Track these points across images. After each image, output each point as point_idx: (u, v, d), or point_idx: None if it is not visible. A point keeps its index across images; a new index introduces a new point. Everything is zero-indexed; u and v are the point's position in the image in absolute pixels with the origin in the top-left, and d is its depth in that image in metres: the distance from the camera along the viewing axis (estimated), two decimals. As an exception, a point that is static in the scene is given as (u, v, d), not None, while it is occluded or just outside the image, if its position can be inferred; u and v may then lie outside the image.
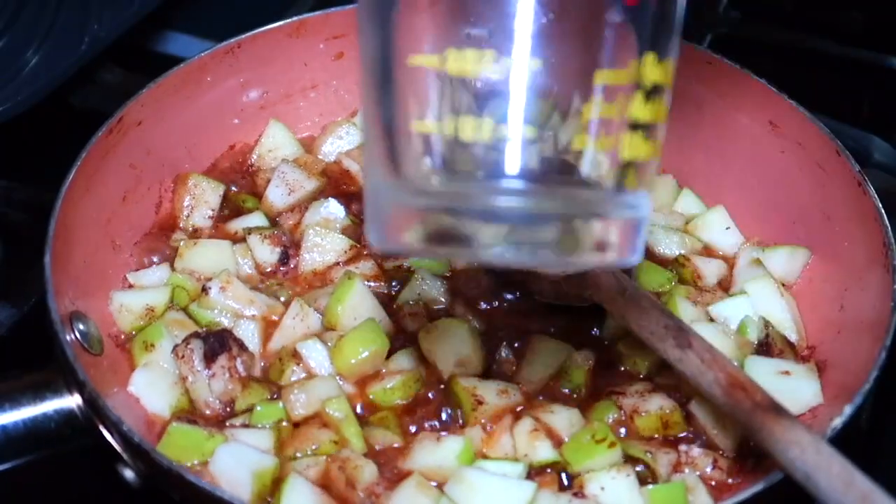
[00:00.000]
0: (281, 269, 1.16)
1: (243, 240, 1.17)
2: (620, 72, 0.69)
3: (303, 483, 0.94)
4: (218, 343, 1.03)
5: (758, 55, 1.27)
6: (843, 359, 1.06)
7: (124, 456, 0.93)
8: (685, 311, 1.10)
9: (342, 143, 1.31)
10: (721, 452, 1.01)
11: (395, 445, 1.00)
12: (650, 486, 0.96)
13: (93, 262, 1.09)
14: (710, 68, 1.21)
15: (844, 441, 0.88)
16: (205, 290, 1.10)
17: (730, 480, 0.99)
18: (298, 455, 0.98)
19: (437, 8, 0.70)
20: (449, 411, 1.03)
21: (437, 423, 1.03)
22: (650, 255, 1.19)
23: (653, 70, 0.70)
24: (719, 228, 1.23)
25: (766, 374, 1.03)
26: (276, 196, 1.23)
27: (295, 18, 1.28)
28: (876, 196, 1.07)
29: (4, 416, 0.95)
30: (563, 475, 0.98)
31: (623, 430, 1.02)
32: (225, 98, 1.27)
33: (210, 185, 1.21)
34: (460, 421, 1.02)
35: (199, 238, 1.18)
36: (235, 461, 0.95)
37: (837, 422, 0.91)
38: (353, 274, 1.10)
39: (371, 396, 1.04)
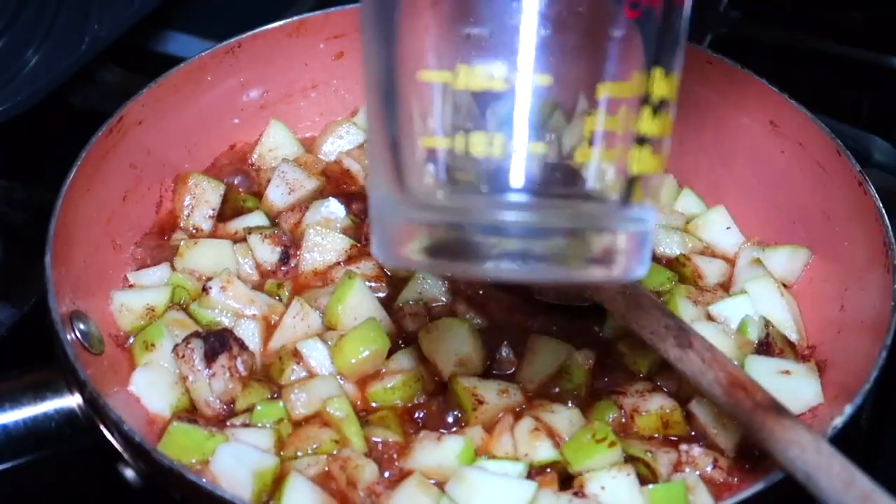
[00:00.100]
0: (281, 268, 1.16)
1: (244, 239, 1.17)
2: (624, 84, 0.69)
3: (303, 482, 0.94)
4: (218, 342, 1.03)
5: (758, 55, 1.27)
6: (843, 358, 1.06)
7: (125, 455, 0.93)
8: (685, 310, 1.10)
9: (342, 142, 1.31)
10: (721, 452, 1.00)
11: (396, 445, 1.00)
12: (650, 486, 0.96)
13: (93, 262, 1.09)
14: (710, 68, 1.21)
15: (845, 441, 0.88)
16: (205, 289, 1.10)
17: (730, 480, 0.99)
18: (299, 454, 0.98)
19: (442, 21, 0.70)
20: (449, 411, 1.03)
21: (437, 422, 1.02)
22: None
23: (660, 85, 0.70)
24: (719, 228, 1.23)
25: (767, 374, 1.04)
26: (277, 196, 1.23)
27: (295, 18, 1.28)
28: (876, 196, 1.07)
29: (5, 415, 0.95)
30: (564, 474, 0.98)
31: (623, 430, 1.02)
32: (225, 98, 1.27)
33: (210, 185, 1.21)
34: (460, 421, 1.02)
35: (199, 238, 1.18)
36: (236, 460, 0.95)
37: (838, 421, 0.91)
38: (354, 273, 1.10)
39: (371, 396, 1.04)
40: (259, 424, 1.00)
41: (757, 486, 0.87)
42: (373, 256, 0.74)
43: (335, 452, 0.98)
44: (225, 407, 1.02)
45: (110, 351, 1.04)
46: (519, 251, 0.69)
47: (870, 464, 0.81)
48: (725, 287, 1.18)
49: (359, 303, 1.08)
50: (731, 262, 1.20)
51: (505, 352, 1.07)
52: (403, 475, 0.97)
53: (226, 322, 1.09)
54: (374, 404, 1.04)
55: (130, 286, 1.13)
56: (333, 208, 1.21)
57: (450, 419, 1.03)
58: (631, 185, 0.71)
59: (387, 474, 0.97)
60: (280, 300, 1.13)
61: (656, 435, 1.02)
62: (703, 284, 1.17)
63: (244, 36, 1.25)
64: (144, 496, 1.05)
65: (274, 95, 1.31)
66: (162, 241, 1.19)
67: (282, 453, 0.98)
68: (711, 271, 1.18)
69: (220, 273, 1.11)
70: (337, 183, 1.26)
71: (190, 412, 1.02)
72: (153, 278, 1.14)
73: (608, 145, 0.70)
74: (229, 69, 1.25)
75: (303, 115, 1.34)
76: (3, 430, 0.95)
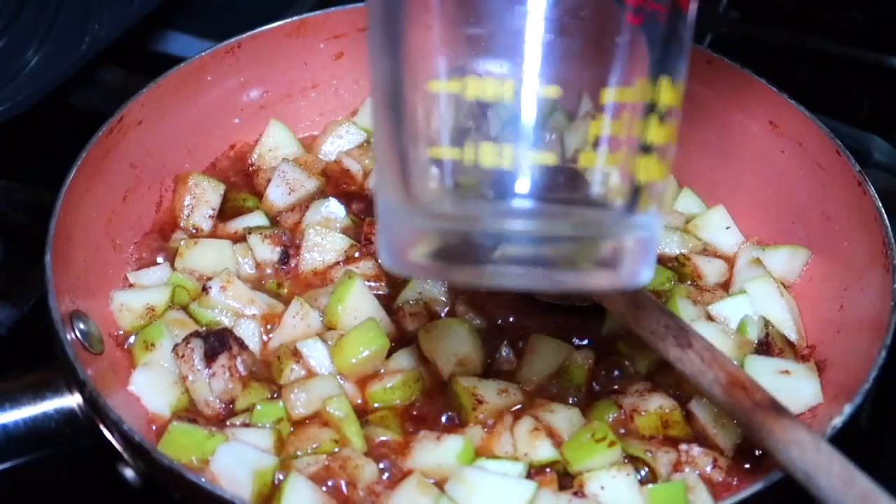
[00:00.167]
0: (281, 268, 1.16)
1: (244, 239, 1.17)
2: (628, 90, 0.69)
3: (303, 482, 0.94)
4: (218, 342, 1.03)
5: (758, 55, 1.27)
6: (842, 358, 1.06)
7: (125, 455, 0.93)
8: (685, 310, 1.10)
9: (342, 142, 1.31)
10: (721, 452, 1.00)
11: (396, 444, 1.00)
12: (650, 486, 0.96)
13: (93, 262, 1.09)
14: (710, 68, 1.21)
15: (844, 440, 0.88)
16: (205, 289, 1.10)
17: (730, 480, 0.99)
18: (299, 454, 0.98)
19: (447, 28, 0.70)
20: (449, 411, 1.03)
21: (437, 422, 1.02)
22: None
23: (667, 94, 0.70)
24: (719, 228, 1.23)
25: (766, 374, 1.04)
26: (277, 195, 1.23)
27: (295, 18, 1.28)
28: (876, 196, 1.07)
29: (5, 415, 0.95)
30: (563, 474, 0.98)
31: (623, 430, 1.02)
32: (225, 98, 1.27)
33: (210, 185, 1.21)
34: (460, 420, 1.02)
35: (199, 237, 1.18)
36: (236, 460, 0.95)
37: (837, 421, 0.91)
38: (354, 273, 1.10)
39: (371, 396, 1.04)
40: (259, 424, 1.00)
41: (756, 486, 0.87)
42: (381, 264, 0.74)
43: (335, 452, 0.98)
44: (225, 407, 1.03)
45: (110, 351, 1.04)
46: (525, 259, 0.69)
47: (869, 463, 0.81)
48: (725, 287, 1.18)
49: (359, 302, 1.08)
50: (731, 261, 1.20)
51: (505, 352, 1.08)
52: (403, 475, 0.97)
53: (226, 322, 1.09)
54: (374, 404, 1.04)
55: (130, 286, 1.13)
56: (333, 208, 1.21)
57: (449, 419, 1.03)
58: (637, 191, 0.71)
59: (386, 474, 0.97)
60: (280, 300, 1.13)
61: (656, 435, 1.02)
62: (702, 284, 1.17)
63: (244, 36, 1.25)
64: (144, 496, 1.05)
65: (274, 95, 1.31)
66: (162, 241, 1.19)
67: (282, 453, 0.98)
68: (711, 271, 1.18)
69: (220, 273, 1.11)
70: (337, 183, 1.26)
71: (190, 412, 1.02)
72: (153, 278, 1.14)
73: (614, 151, 0.70)
74: (229, 69, 1.25)
75: (303, 114, 1.34)
76: (3, 429, 0.95)
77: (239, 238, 1.18)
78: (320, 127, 1.34)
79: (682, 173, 1.28)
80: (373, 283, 1.13)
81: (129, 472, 1.05)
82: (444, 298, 1.12)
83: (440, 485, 0.96)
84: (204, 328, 1.07)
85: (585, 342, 1.09)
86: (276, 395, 1.03)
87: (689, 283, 1.17)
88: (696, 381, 0.92)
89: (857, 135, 1.43)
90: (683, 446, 1.00)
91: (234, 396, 1.02)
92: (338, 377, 1.04)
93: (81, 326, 1.00)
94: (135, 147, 1.16)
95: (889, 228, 1.04)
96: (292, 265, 1.16)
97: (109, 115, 1.12)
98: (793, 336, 1.11)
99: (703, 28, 1.61)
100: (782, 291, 1.13)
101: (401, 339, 1.08)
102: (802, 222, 1.18)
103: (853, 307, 1.08)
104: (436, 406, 1.04)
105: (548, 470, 0.98)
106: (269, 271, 1.16)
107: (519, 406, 1.03)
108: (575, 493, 0.95)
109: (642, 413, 1.02)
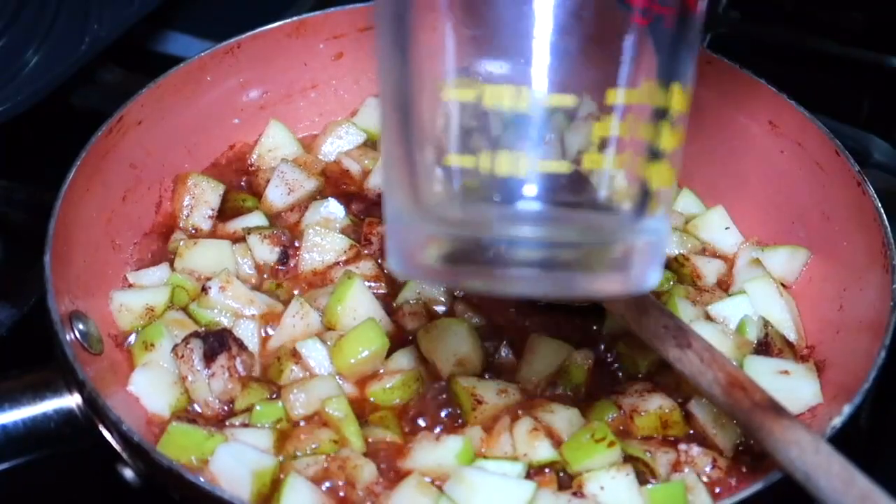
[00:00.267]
0: (280, 268, 1.16)
1: (243, 239, 1.17)
2: (635, 91, 0.69)
3: (302, 482, 0.94)
4: (217, 342, 1.03)
5: (758, 55, 1.28)
6: (842, 358, 1.06)
7: (124, 455, 0.93)
8: (684, 310, 1.10)
9: (342, 142, 1.31)
10: (720, 452, 1.01)
11: (395, 445, 1.00)
12: (650, 486, 0.96)
13: (93, 262, 1.09)
14: (710, 68, 1.21)
15: (844, 441, 0.88)
16: (204, 289, 1.10)
17: (729, 480, 0.99)
18: (298, 454, 0.98)
19: (457, 33, 0.69)
20: (448, 411, 1.03)
21: (436, 422, 1.02)
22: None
23: (679, 100, 0.70)
24: (719, 228, 1.23)
25: (766, 374, 1.04)
26: (276, 196, 1.23)
27: (295, 18, 1.28)
28: (875, 196, 1.07)
29: (4, 415, 0.95)
30: (563, 474, 0.98)
31: (622, 430, 1.02)
32: (225, 98, 1.27)
33: (210, 185, 1.21)
34: (460, 420, 1.02)
35: (198, 238, 1.18)
36: (235, 461, 0.95)
37: (837, 421, 0.91)
38: (353, 273, 1.10)
39: (371, 396, 1.04)
40: (258, 424, 1.00)
41: (756, 486, 0.87)
42: (389, 268, 0.74)
43: (334, 452, 0.98)
44: (224, 407, 1.03)
45: (110, 351, 1.04)
46: (534, 264, 0.68)
47: (869, 464, 0.81)
48: (724, 287, 1.18)
49: (358, 303, 1.08)
50: (730, 262, 1.20)
51: (504, 352, 1.07)
52: (402, 475, 0.97)
53: (225, 322, 1.09)
54: (373, 403, 1.04)
55: (130, 286, 1.13)
56: (333, 208, 1.21)
57: (449, 419, 1.03)
58: (646, 195, 0.71)
59: (385, 475, 0.97)
60: (279, 300, 1.13)
61: (655, 435, 1.02)
62: (702, 284, 1.17)
63: (244, 36, 1.25)
64: (143, 496, 1.05)
65: (273, 95, 1.31)
66: (161, 241, 1.19)
67: (281, 453, 0.98)
68: (710, 271, 1.18)
69: (219, 273, 1.11)
70: (336, 183, 1.26)
71: (189, 412, 1.02)
72: (153, 278, 1.14)
73: (623, 154, 0.70)
74: (229, 69, 1.25)
75: (302, 115, 1.34)
76: (3, 430, 0.95)
77: (238, 238, 1.18)
78: (320, 127, 1.34)
79: (681, 173, 1.26)
80: (372, 284, 1.13)
81: (128, 473, 1.05)
82: (443, 298, 1.12)
83: (439, 485, 0.95)
84: (203, 328, 1.07)
85: (585, 342, 1.09)
86: (275, 396, 1.03)
87: (688, 283, 1.17)
88: (696, 381, 0.92)
89: (857, 135, 1.43)
90: (683, 446, 1.00)
91: (233, 397, 1.02)
92: (337, 377, 1.04)
93: (81, 327, 1.00)
94: (134, 147, 1.16)
95: (888, 229, 1.04)
96: (291, 265, 1.16)
97: (109, 115, 1.12)
98: (792, 336, 1.11)
99: (704, 28, 1.60)
100: (782, 292, 1.13)
101: (400, 340, 1.08)
102: (802, 222, 1.18)
103: (853, 307, 1.08)
104: (435, 406, 1.04)
105: (547, 470, 0.98)
106: (268, 271, 1.16)
107: (518, 406, 1.03)
108: (574, 494, 0.95)
109: (642, 413, 1.02)
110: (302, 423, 1.01)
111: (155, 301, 1.10)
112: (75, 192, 1.05)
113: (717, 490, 0.98)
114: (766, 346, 1.09)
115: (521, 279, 0.69)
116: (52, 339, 0.95)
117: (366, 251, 1.16)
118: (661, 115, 0.71)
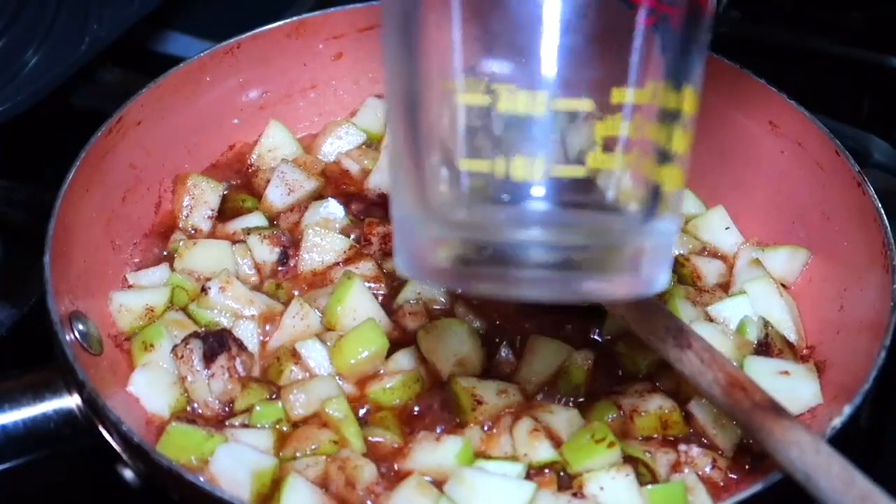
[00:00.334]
0: (280, 269, 1.16)
1: (243, 240, 1.17)
2: (642, 91, 0.69)
3: (302, 483, 0.94)
4: (217, 343, 1.03)
5: (758, 55, 1.27)
6: (842, 359, 1.06)
7: (124, 456, 0.93)
8: (685, 310, 1.10)
9: (342, 143, 1.31)
10: (720, 452, 1.01)
11: (395, 445, 1.00)
12: (650, 486, 0.96)
13: (93, 262, 1.09)
14: (710, 68, 1.19)
15: (844, 441, 0.88)
16: (204, 290, 1.10)
17: (729, 480, 0.99)
18: (298, 455, 0.98)
19: (465, 36, 0.69)
20: (448, 411, 1.03)
21: (436, 422, 1.02)
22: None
23: (690, 102, 0.70)
24: (719, 228, 1.23)
25: (766, 374, 1.03)
26: (276, 196, 1.23)
27: (295, 18, 1.28)
28: (875, 196, 1.07)
29: (4, 416, 0.95)
30: (563, 475, 0.98)
31: (622, 430, 1.02)
32: (225, 98, 1.27)
33: (210, 185, 1.21)
34: (460, 421, 1.02)
35: (198, 238, 1.18)
36: (235, 461, 0.95)
37: (837, 422, 0.91)
38: (353, 274, 1.10)
39: (371, 396, 1.04)
40: (258, 425, 1.00)
41: (756, 487, 0.87)
42: (398, 271, 0.73)
43: (334, 453, 0.98)
44: (224, 407, 1.03)
45: (109, 351, 1.04)
46: (543, 267, 0.68)
47: (869, 464, 0.81)
48: (724, 287, 1.18)
49: (358, 303, 1.08)
50: (731, 262, 1.20)
51: (504, 352, 1.07)
52: (402, 476, 0.97)
53: (225, 322, 1.09)
54: (373, 404, 1.04)
55: (130, 286, 1.13)
56: (332, 209, 1.21)
57: (449, 419, 1.03)
58: (655, 197, 0.70)
59: (385, 475, 0.97)
60: (279, 301, 1.13)
61: (655, 435, 1.02)
62: (702, 285, 1.17)
63: (244, 36, 1.25)
64: (143, 497, 1.05)
65: (273, 96, 1.31)
66: (161, 241, 1.19)
67: (281, 454, 0.98)
68: (710, 271, 1.18)
69: (218, 273, 1.11)
70: (336, 183, 1.26)
71: (189, 413, 1.02)
72: (152, 279, 1.14)
73: (630, 156, 0.69)
74: (229, 69, 1.25)
75: (302, 115, 1.34)
76: (2, 430, 0.95)
77: (238, 239, 1.18)
78: (320, 127, 1.34)
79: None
80: (372, 284, 1.13)
81: (128, 473, 1.05)
82: (443, 299, 1.12)
83: (439, 485, 0.95)
84: (203, 329, 1.07)
85: (585, 343, 1.09)
86: (275, 396, 1.03)
87: (688, 283, 1.17)
88: (696, 381, 0.92)
89: (857, 135, 1.43)
90: (683, 447, 1.00)
91: (233, 397, 1.02)
92: (337, 378, 1.04)
93: (80, 327, 1.00)
94: (134, 147, 1.16)
95: (888, 229, 1.04)
96: (291, 266, 1.16)
97: (109, 116, 1.12)
98: (792, 337, 1.11)
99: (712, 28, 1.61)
100: (782, 292, 1.13)
101: (400, 340, 1.08)
102: (802, 223, 1.18)
103: (853, 308, 1.08)
104: (435, 407, 1.04)
105: (547, 471, 0.98)
106: (268, 272, 1.16)
107: (518, 406, 1.03)
108: (574, 494, 0.95)
109: (642, 413, 1.02)
110: (302, 424, 1.01)
111: (155, 301, 1.10)
112: (75, 192, 1.05)
113: (718, 490, 0.98)
114: (767, 346, 1.09)
115: (530, 283, 0.68)
116: (52, 340, 0.95)
117: (366, 251, 1.16)
118: (668, 115, 0.70)
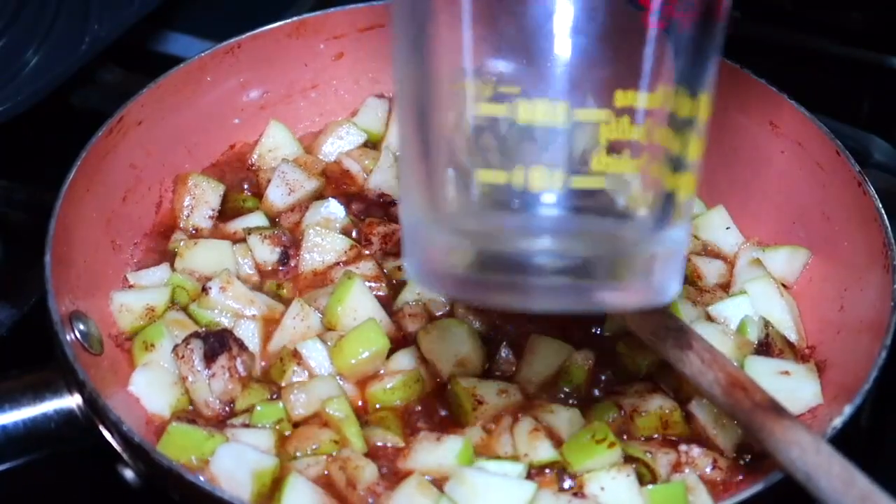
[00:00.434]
0: (281, 269, 1.16)
1: (243, 240, 1.17)
2: (655, 96, 0.68)
3: (303, 483, 0.94)
4: (218, 343, 1.03)
5: (758, 55, 1.27)
6: (843, 359, 1.06)
7: (124, 456, 0.93)
8: (685, 310, 1.10)
9: (342, 143, 1.31)
10: (721, 452, 1.00)
11: (396, 445, 1.00)
12: (650, 486, 0.96)
13: (93, 262, 1.09)
14: (710, 68, 1.20)
15: (844, 441, 0.88)
16: (205, 290, 1.10)
17: (729, 480, 0.99)
18: (298, 455, 0.98)
19: (478, 46, 0.69)
20: (449, 411, 1.03)
21: (436, 422, 1.02)
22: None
23: (705, 109, 0.69)
24: (719, 228, 1.23)
25: (766, 374, 1.03)
26: (277, 196, 1.23)
27: (295, 18, 1.28)
28: (876, 196, 1.07)
29: (4, 416, 0.95)
30: (563, 475, 0.98)
31: (623, 431, 1.02)
32: (225, 98, 1.27)
33: (210, 185, 1.21)
34: (460, 421, 1.02)
35: (199, 238, 1.18)
36: (235, 461, 0.95)
37: (837, 422, 0.91)
38: (353, 274, 1.10)
39: (371, 396, 1.04)
40: (259, 425, 1.00)
41: (756, 487, 0.87)
42: (408, 278, 0.73)
43: (335, 453, 0.98)
44: (224, 407, 1.03)
45: (110, 351, 1.04)
46: (555, 275, 0.68)
47: (869, 464, 0.81)
48: (725, 287, 1.18)
49: (358, 303, 1.08)
50: (731, 262, 1.20)
51: (504, 352, 1.07)
52: (403, 476, 0.97)
53: (225, 322, 1.09)
54: (374, 405, 1.04)
55: (130, 286, 1.13)
56: (333, 209, 1.21)
57: (449, 419, 1.03)
58: (667, 205, 0.70)
59: (386, 475, 0.97)
60: (280, 301, 1.13)
61: (656, 435, 1.02)
62: (702, 285, 1.17)
63: (244, 36, 1.25)
64: (143, 497, 1.05)
65: (274, 96, 1.31)
66: (162, 241, 1.19)
67: (281, 454, 0.98)
68: (711, 271, 1.18)
69: (219, 273, 1.11)
70: (337, 183, 1.26)
71: (189, 413, 1.02)
72: (153, 278, 1.14)
73: (640, 161, 0.69)
74: (229, 69, 1.25)
75: (303, 115, 1.34)
76: (3, 430, 0.95)
77: (239, 239, 1.18)
78: (320, 127, 1.34)
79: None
80: (372, 284, 1.13)
81: (128, 473, 1.05)
82: (443, 299, 1.12)
83: (440, 485, 0.95)
84: (203, 329, 1.07)
85: (585, 343, 1.09)
86: (275, 396, 1.03)
87: (688, 283, 1.17)
88: (696, 381, 0.92)
89: (857, 135, 1.43)
90: (683, 447, 1.00)
91: (233, 397, 1.02)
92: (337, 378, 1.04)
93: (81, 327, 1.00)
94: (135, 147, 1.16)
95: (889, 229, 1.04)
96: (292, 266, 1.16)
97: (109, 116, 1.12)
98: (793, 337, 1.11)
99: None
100: (782, 292, 1.13)
101: (401, 340, 1.08)
102: (802, 222, 1.18)
103: (853, 308, 1.08)
104: (436, 407, 1.04)
105: (547, 470, 0.98)
106: (268, 272, 1.16)
107: (519, 406, 1.03)
108: (575, 494, 0.95)
109: (642, 413, 1.02)
110: (302, 424, 1.01)
111: (155, 301, 1.10)
112: (75, 192, 1.05)
113: (718, 491, 0.98)
114: (767, 346, 1.09)
115: (542, 293, 0.68)
116: (53, 340, 0.95)
117: (366, 251, 1.16)
118: (680, 121, 0.70)
